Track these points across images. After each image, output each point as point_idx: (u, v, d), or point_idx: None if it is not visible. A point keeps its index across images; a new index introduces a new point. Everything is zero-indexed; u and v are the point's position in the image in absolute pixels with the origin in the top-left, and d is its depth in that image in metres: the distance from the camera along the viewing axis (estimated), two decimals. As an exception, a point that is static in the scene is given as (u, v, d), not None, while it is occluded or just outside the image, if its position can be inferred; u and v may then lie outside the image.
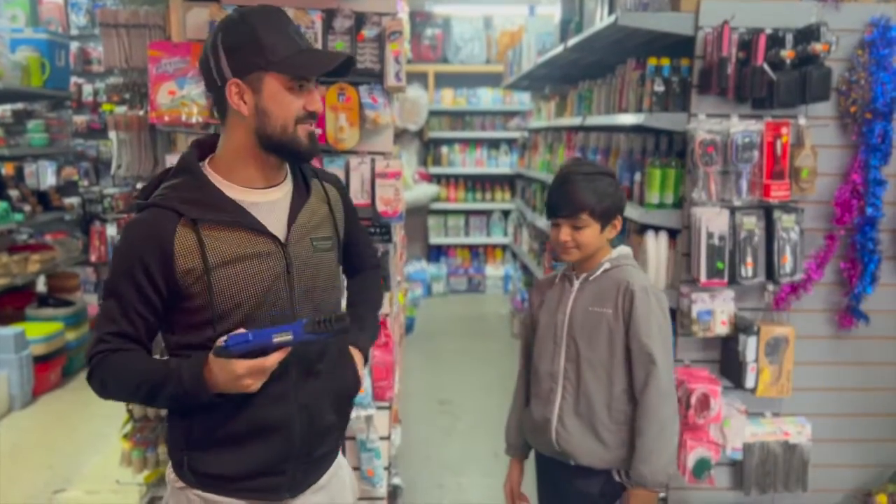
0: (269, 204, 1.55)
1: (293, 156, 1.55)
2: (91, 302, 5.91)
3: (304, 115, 1.51)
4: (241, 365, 1.40)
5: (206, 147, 1.60)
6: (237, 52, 1.47)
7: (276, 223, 1.55)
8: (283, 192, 1.59)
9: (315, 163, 2.10)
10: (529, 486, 2.28)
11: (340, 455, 1.79)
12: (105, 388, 1.51)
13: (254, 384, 1.43)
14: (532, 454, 2.27)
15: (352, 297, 1.91)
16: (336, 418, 1.68)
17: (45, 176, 5.87)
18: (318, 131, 1.57)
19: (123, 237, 1.51)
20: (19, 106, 5.59)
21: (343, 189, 1.79)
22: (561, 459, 2.07)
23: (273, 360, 1.42)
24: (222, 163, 1.55)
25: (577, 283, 2.06)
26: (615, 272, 2.02)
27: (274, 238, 1.53)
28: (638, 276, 2.03)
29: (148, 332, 1.53)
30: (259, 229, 1.51)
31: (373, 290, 1.94)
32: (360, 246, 1.87)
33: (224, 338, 1.42)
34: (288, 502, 1.63)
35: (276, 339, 1.39)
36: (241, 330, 1.42)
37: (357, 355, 1.76)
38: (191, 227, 1.47)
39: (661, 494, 2.25)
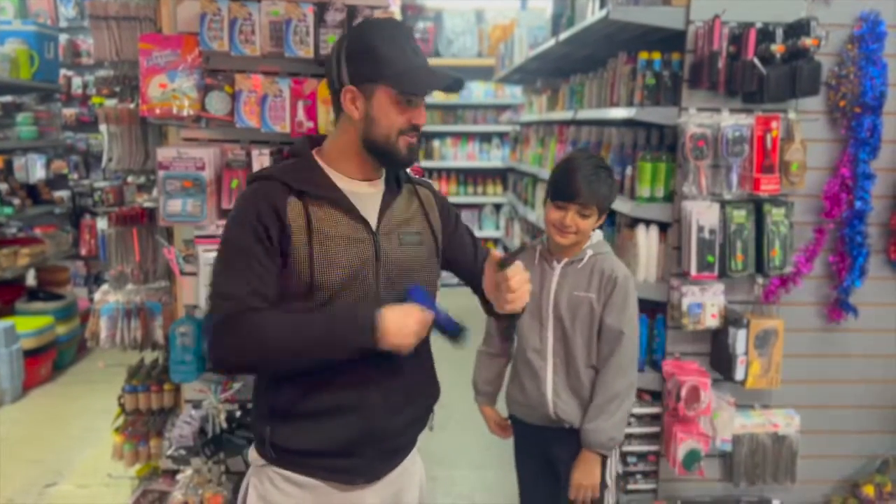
0: (365, 195, 1.65)
1: (391, 163, 1.65)
2: (81, 295, 5.90)
3: (408, 128, 1.60)
4: (419, 312, 1.54)
5: (315, 141, 1.72)
6: (356, 61, 1.57)
7: (370, 213, 1.65)
8: (377, 188, 1.69)
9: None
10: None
11: (416, 452, 1.82)
12: (246, 348, 1.52)
13: (414, 340, 1.54)
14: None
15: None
16: (414, 412, 1.73)
17: (35, 169, 5.84)
18: (420, 145, 1.69)
19: (239, 203, 1.61)
20: (8, 98, 5.55)
21: (437, 192, 1.86)
22: (553, 426, 2.25)
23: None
24: (328, 155, 1.66)
25: (558, 267, 2.23)
26: (598, 260, 2.21)
27: (367, 224, 1.63)
28: (618, 265, 2.24)
29: (274, 295, 1.57)
30: (356, 214, 1.62)
31: None
32: (468, 248, 1.87)
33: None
34: (361, 489, 1.67)
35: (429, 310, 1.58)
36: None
37: None
38: (298, 198, 1.58)
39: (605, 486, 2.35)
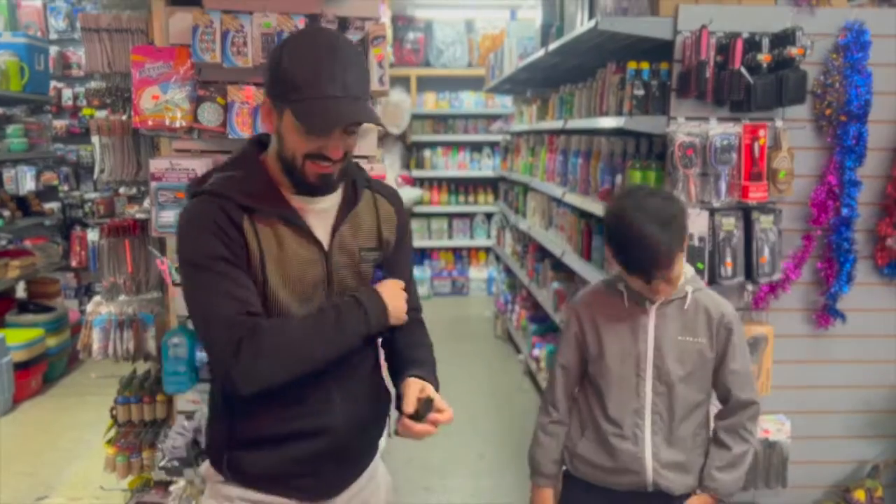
0: (317, 212, 1.56)
1: (301, 186, 1.53)
2: (72, 307, 5.87)
3: (315, 154, 1.48)
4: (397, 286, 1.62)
5: (264, 144, 1.61)
6: (272, 76, 1.48)
7: (322, 231, 1.56)
8: (331, 202, 1.58)
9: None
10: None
11: (379, 459, 1.80)
12: (280, 359, 1.45)
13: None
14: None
15: (404, 354, 1.69)
16: (372, 422, 1.70)
17: (25, 181, 5.83)
18: (333, 174, 1.53)
19: (194, 218, 1.49)
20: (-2, 110, 5.55)
21: (399, 205, 1.73)
22: (639, 490, 1.98)
23: None
24: (272, 163, 1.56)
25: (653, 309, 1.95)
26: (701, 298, 1.97)
27: (319, 245, 1.55)
28: (722, 302, 2.00)
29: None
30: (307, 233, 1.54)
31: (426, 349, 1.72)
32: (399, 272, 1.70)
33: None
34: (326, 502, 1.64)
35: None
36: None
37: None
38: (248, 216, 1.49)
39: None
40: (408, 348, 1.68)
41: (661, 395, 1.94)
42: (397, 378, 1.63)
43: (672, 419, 1.94)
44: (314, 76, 1.43)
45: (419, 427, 1.48)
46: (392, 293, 1.58)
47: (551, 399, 2.09)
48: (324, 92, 1.43)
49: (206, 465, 1.67)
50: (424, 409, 1.47)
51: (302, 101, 1.43)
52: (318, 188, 1.53)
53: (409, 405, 1.48)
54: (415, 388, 1.53)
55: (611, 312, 1.99)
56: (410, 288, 1.70)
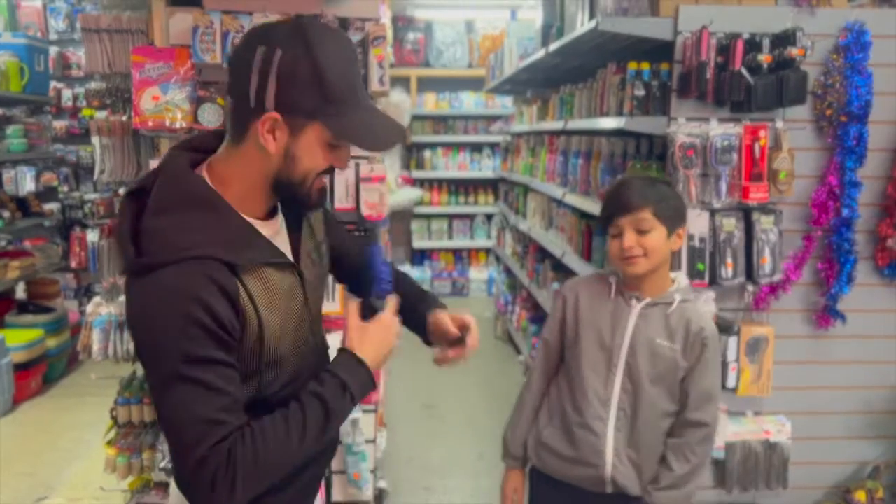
0: (278, 230, 1.40)
1: (298, 205, 1.38)
2: (71, 308, 5.87)
3: (327, 169, 1.33)
4: (390, 317, 1.42)
5: (192, 161, 1.35)
6: (293, 88, 1.22)
7: (286, 249, 1.40)
8: (280, 218, 1.42)
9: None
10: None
11: None
12: (253, 477, 1.21)
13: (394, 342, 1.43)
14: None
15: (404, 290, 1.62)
16: None
17: (25, 181, 5.83)
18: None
19: (172, 301, 1.17)
20: (-2, 111, 5.55)
21: None
22: (596, 490, 1.98)
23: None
24: (234, 192, 1.30)
25: (637, 307, 1.96)
26: (687, 309, 1.95)
27: (295, 268, 1.38)
28: (706, 318, 1.98)
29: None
30: (286, 262, 1.36)
31: (409, 278, 1.77)
32: (343, 233, 1.71)
33: (376, 289, 1.46)
34: None
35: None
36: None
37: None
38: (233, 273, 1.24)
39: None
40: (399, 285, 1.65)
41: (627, 392, 1.95)
42: (412, 313, 1.64)
43: (636, 418, 1.94)
44: (356, 88, 1.27)
45: (470, 350, 1.59)
46: (382, 338, 1.39)
47: (529, 375, 2.17)
48: (363, 102, 1.29)
49: None
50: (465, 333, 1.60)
51: (345, 116, 1.25)
52: (317, 206, 1.41)
53: (454, 333, 1.60)
54: (447, 318, 1.61)
55: (595, 302, 2.02)
56: (351, 239, 1.73)
